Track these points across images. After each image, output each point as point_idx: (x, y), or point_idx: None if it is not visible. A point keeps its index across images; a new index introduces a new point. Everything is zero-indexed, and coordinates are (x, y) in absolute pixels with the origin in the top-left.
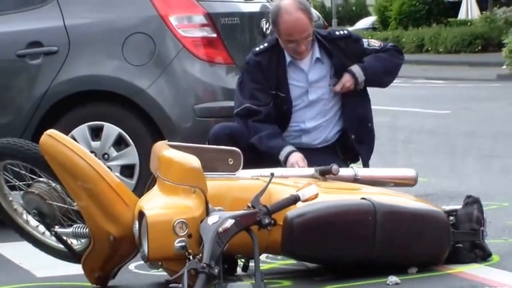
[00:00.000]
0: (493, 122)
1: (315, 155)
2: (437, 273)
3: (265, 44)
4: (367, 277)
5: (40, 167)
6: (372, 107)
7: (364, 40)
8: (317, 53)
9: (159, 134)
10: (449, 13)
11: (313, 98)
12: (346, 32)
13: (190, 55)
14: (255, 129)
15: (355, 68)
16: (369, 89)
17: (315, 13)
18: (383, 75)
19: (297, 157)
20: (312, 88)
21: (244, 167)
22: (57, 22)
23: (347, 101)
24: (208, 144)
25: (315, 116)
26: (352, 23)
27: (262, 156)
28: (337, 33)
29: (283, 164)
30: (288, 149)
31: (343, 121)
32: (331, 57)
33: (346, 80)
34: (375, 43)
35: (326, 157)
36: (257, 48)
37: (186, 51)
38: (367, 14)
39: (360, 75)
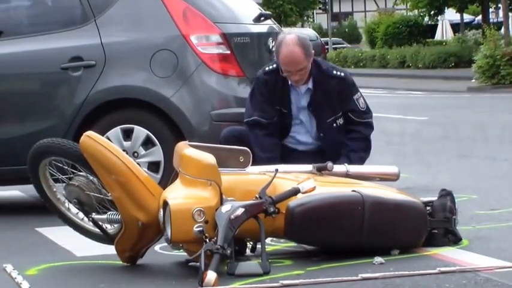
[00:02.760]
0: (464, 128)
1: (310, 156)
2: (416, 255)
3: (274, 65)
4: (357, 257)
5: (80, 163)
6: None
7: (356, 92)
8: (310, 84)
9: (181, 136)
10: (427, 35)
11: (304, 119)
12: (343, 74)
13: (208, 69)
14: (260, 145)
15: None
16: None
17: (314, 33)
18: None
19: None
20: (303, 111)
21: (253, 164)
22: (95, 40)
23: (326, 131)
24: (220, 144)
25: (307, 132)
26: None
27: None
28: (334, 72)
29: None
30: None
31: (322, 145)
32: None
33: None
34: (362, 104)
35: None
36: (267, 68)
37: (204, 65)
38: (358, 35)
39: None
